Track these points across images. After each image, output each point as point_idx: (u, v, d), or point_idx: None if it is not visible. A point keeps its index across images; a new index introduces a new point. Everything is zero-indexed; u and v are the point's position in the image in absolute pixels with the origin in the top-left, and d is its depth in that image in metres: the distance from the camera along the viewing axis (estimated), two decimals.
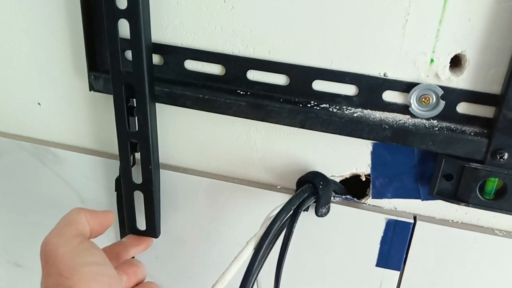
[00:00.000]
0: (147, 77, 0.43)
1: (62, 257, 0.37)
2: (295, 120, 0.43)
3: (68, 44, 0.48)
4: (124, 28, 0.42)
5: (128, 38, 0.42)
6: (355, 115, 0.42)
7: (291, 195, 0.47)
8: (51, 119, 0.52)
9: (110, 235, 0.56)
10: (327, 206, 0.46)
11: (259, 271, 0.42)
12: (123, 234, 0.54)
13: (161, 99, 0.45)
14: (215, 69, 0.45)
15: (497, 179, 0.41)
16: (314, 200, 0.45)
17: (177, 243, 0.54)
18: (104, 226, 0.42)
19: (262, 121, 0.44)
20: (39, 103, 0.52)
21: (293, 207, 0.43)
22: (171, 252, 0.55)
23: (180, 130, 0.49)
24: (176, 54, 0.45)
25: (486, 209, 0.41)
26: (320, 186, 0.44)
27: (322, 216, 0.46)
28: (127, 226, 0.51)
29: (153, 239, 0.51)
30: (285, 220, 0.43)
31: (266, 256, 0.43)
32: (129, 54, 0.43)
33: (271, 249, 0.43)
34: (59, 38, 0.48)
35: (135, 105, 0.45)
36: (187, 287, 0.56)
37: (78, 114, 0.51)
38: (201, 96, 0.44)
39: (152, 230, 0.50)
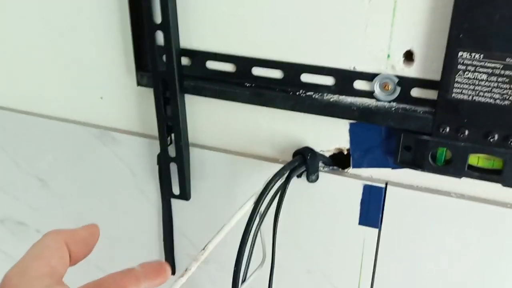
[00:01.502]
0: (177, 75, 0.58)
1: None
2: (288, 105, 0.55)
3: (122, 49, 0.64)
4: (160, 37, 0.56)
5: (162, 44, 0.57)
6: (331, 100, 0.54)
7: None
8: (110, 109, 0.68)
9: (155, 202, 0.71)
10: (316, 174, 0.58)
11: (259, 224, 0.55)
12: (163, 199, 0.69)
13: (189, 91, 0.60)
14: (228, 67, 0.59)
15: (444, 148, 0.51)
16: (304, 168, 0.57)
17: (203, 207, 0.67)
18: (89, 245, 0.33)
19: (263, 106, 0.57)
20: (101, 97, 0.68)
21: (285, 172, 0.55)
22: (199, 214, 0.68)
23: (204, 115, 0.63)
24: (199, 56, 0.59)
25: (437, 174, 0.52)
26: (308, 157, 0.56)
27: (313, 182, 0.58)
28: (165, 191, 0.65)
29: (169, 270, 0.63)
30: (281, 184, 0.56)
31: (265, 212, 0.55)
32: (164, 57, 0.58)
33: (268, 207, 0.56)
34: (114, 45, 0.64)
35: (169, 96, 0.60)
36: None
37: (129, 104, 0.67)
38: (217, 88, 0.58)
39: (184, 194, 0.65)
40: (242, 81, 0.58)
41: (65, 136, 0.72)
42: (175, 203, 0.69)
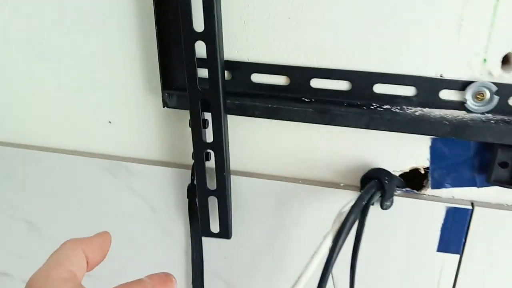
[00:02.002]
0: (222, 93, 0.47)
1: None
2: (361, 122, 0.47)
3: (139, 64, 0.52)
4: (198, 48, 0.46)
5: (201, 57, 0.46)
6: (416, 113, 0.46)
7: (355, 192, 0.52)
8: (124, 135, 0.56)
9: (181, 242, 0.60)
10: (391, 200, 0.50)
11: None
12: (193, 239, 0.58)
13: (232, 111, 0.49)
14: (280, 80, 0.49)
15: None
16: (379, 194, 0.49)
17: (246, 243, 0.58)
18: (103, 251, 0.36)
19: (328, 125, 0.48)
20: (109, 121, 0.56)
21: (363, 202, 0.47)
22: (241, 252, 0.58)
23: (247, 138, 0.53)
24: (243, 69, 0.49)
25: None
26: (386, 181, 0.48)
27: (387, 209, 0.50)
28: (201, 229, 0.55)
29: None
30: (357, 216, 0.47)
31: (340, 250, 0.47)
32: (201, 72, 0.47)
33: (343, 243, 0.47)
34: (129, 59, 0.52)
35: (206, 117, 0.49)
36: (255, 286, 0.60)
37: (149, 129, 0.55)
38: (269, 106, 0.48)
39: (226, 232, 0.54)
40: (297, 96, 0.49)
41: (66, 169, 0.59)
42: (205, 241, 0.59)
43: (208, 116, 0.49)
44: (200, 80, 0.48)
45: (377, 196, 0.48)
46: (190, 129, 0.53)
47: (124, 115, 0.55)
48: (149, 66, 0.52)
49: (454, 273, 0.53)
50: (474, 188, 0.49)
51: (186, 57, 0.46)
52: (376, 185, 0.48)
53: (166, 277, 0.36)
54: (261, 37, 0.48)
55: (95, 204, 0.60)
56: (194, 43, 0.45)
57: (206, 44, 0.45)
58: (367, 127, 0.47)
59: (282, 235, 0.56)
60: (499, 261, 0.51)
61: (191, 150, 0.55)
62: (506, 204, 0.49)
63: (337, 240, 0.45)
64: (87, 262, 0.33)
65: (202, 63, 0.46)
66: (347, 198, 0.51)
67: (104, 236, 0.36)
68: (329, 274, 0.45)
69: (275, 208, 0.55)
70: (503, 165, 0.46)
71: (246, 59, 0.49)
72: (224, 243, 0.58)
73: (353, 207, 0.46)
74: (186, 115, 0.53)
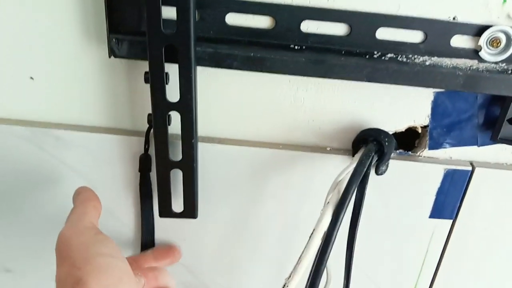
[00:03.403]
0: (193, 37, 0.37)
1: (76, 247, 0.36)
2: (362, 74, 0.39)
3: (72, 3, 0.39)
4: None
5: None
6: (427, 63, 0.39)
7: (345, 156, 0.45)
8: (51, 95, 0.44)
9: (130, 224, 0.49)
10: (386, 164, 0.44)
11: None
12: (145, 221, 0.48)
13: (203, 62, 0.39)
14: (263, 22, 0.39)
15: None
16: (376, 158, 0.42)
17: (212, 223, 0.48)
18: (99, 210, 0.42)
19: (323, 77, 0.39)
20: (31, 77, 0.43)
21: (364, 169, 0.40)
22: (206, 233, 0.49)
23: (214, 97, 0.43)
24: (215, 7, 0.39)
25: None
26: (386, 143, 0.41)
27: (382, 174, 0.44)
28: (160, 209, 0.45)
29: (180, 252, 0.50)
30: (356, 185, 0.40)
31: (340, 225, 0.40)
32: (165, 11, 0.36)
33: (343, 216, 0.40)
34: None
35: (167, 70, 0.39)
36: (224, 272, 0.52)
37: (87, 87, 0.43)
38: (251, 54, 0.39)
39: (191, 211, 0.45)
40: (285, 43, 0.40)
41: None
42: (159, 221, 0.49)
43: (169, 68, 0.39)
44: (164, 21, 0.36)
45: (374, 160, 0.42)
46: (143, 86, 0.42)
47: (51, 68, 0.42)
48: (87, 1, 0.39)
49: (445, 239, 0.48)
50: (473, 148, 0.45)
51: None
52: (374, 148, 0.41)
53: (168, 248, 0.49)
54: None
55: (16, 185, 0.47)
56: None
57: None
58: (369, 79, 0.39)
59: (258, 211, 0.48)
60: (494, 226, 0.47)
61: (143, 112, 0.44)
62: (506, 164, 0.45)
63: (338, 213, 0.38)
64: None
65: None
66: (337, 165, 0.45)
67: (96, 196, 0.42)
68: (329, 253, 0.38)
69: (250, 180, 0.46)
70: None
71: None
72: (185, 224, 0.49)
73: (353, 174, 0.39)
74: (138, 67, 0.42)
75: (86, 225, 0.38)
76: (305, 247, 0.38)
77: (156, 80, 0.38)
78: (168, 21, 0.36)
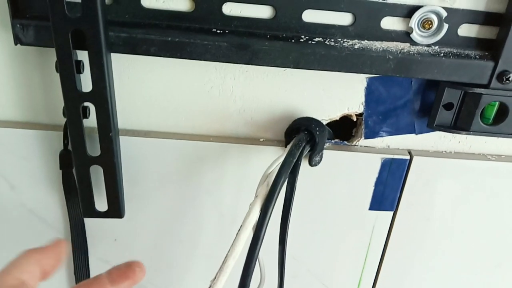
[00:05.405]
0: (102, 20, 0.34)
1: None
2: (288, 60, 0.37)
3: None
4: None
5: None
6: (356, 47, 0.37)
7: (279, 147, 0.42)
8: None
9: (57, 225, 0.46)
10: (320, 154, 0.42)
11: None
12: (73, 221, 0.45)
13: (117, 48, 0.36)
14: (182, 4, 0.37)
15: (496, 103, 0.39)
16: (308, 149, 0.40)
17: (143, 222, 0.46)
18: (59, 258, 0.35)
19: (248, 64, 0.37)
20: None
21: (294, 159, 0.38)
22: (137, 232, 0.47)
23: (136, 86, 0.41)
24: None
25: (486, 135, 0.40)
26: (317, 133, 0.39)
27: (316, 165, 0.42)
28: (83, 209, 0.42)
29: (143, 269, 0.42)
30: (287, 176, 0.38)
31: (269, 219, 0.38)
32: None
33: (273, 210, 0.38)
34: None
35: (80, 58, 0.36)
36: (158, 273, 0.49)
37: None
38: (169, 39, 0.36)
39: (116, 210, 0.42)
40: (206, 27, 0.37)
41: None
42: (88, 221, 0.46)
43: (83, 55, 0.36)
44: (69, 4, 0.33)
45: (306, 151, 0.40)
46: (57, 76, 0.39)
47: None
48: None
49: (387, 231, 0.47)
50: (412, 136, 0.43)
51: None
52: (305, 138, 0.39)
53: (126, 267, 0.35)
54: None
55: None
56: None
57: None
58: (297, 65, 0.37)
59: (193, 207, 0.45)
60: (436, 215, 0.46)
61: (61, 104, 0.41)
62: (445, 151, 0.44)
63: (266, 208, 0.36)
64: (43, 270, 0.33)
65: None
66: (270, 156, 0.42)
67: (60, 244, 0.35)
68: (259, 250, 0.36)
69: (180, 174, 0.44)
70: (448, 106, 0.40)
71: None
72: (115, 223, 0.46)
73: (282, 166, 0.37)
74: (51, 55, 0.39)
75: (8, 283, 0.31)
76: (232, 245, 0.35)
77: (65, 69, 0.35)
78: (74, 4, 0.33)
